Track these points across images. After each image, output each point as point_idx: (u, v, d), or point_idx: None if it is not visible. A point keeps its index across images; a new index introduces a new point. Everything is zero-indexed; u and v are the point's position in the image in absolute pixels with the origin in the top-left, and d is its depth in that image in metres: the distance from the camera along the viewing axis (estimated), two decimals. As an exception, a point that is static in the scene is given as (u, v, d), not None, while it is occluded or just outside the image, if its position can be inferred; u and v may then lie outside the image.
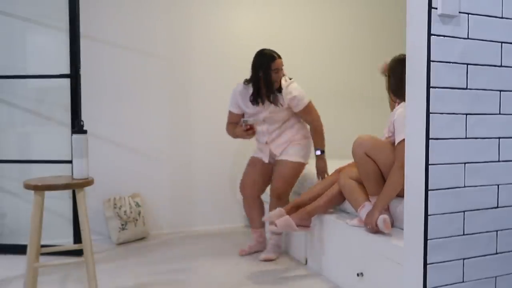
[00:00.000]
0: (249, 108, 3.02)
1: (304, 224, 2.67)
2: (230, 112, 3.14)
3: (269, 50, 2.99)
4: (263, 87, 2.92)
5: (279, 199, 2.97)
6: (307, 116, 3.04)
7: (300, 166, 3.04)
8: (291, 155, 3.01)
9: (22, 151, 3.41)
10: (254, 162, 3.17)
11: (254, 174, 3.12)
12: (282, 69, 2.95)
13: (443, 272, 1.70)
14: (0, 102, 3.32)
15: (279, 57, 2.95)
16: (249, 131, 3.00)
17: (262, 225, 3.14)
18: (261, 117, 3.01)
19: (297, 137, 3.05)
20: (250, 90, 2.98)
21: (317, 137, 3.03)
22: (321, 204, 2.67)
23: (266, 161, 3.10)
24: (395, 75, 2.36)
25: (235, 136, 3.12)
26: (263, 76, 2.91)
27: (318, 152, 3.02)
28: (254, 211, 3.13)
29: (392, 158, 2.31)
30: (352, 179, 2.50)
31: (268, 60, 2.92)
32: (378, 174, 2.37)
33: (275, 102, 2.93)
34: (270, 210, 2.93)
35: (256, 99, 2.95)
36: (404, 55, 1.84)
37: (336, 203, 2.71)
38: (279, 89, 2.95)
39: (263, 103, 2.96)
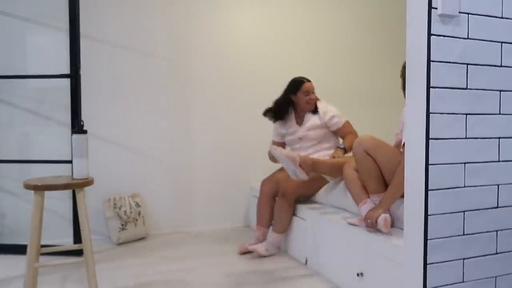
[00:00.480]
0: (287, 129, 3.29)
1: (304, 168, 2.74)
2: (273, 141, 3.42)
3: (300, 76, 3.27)
4: (298, 109, 3.25)
5: (283, 196, 3.02)
6: (345, 131, 3.19)
7: (319, 179, 3.07)
8: None
9: (22, 151, 3.41)
10: None
11: (280, 175, 3.19)
12: (313, 92, 3.21)
13: (443, 272, 1.70)
14: (0, 102, 3.32)
15: (309, 81, 3.22)
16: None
17: (268, 225, 3.15)
18: (297, 136, 3.23)
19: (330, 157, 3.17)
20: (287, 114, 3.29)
21: (348, 139, 3.14)
22: (326, 162, 2.81)
23: None
24: None
25: (271, 161, 3.31)
26: (293, 97, 3.21)
27: (342, 146, 3.14)
28: (264, 209, 3.16)
29: (392, 159, 2.31)
30: (357, 171, 2.51)
31: (298, 84, 3.20)
32: (378, 173, 2.38)
33: (305, 121, 3.22)
34: (276, 207, 3.05)
35: (275, 116, 3.27)
36: None
37: (341, 173, 2.75)
38: (315, 110, 3.20)
39: (301, 120, 3.24)
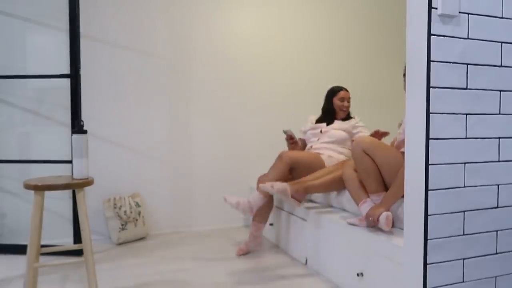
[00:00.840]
0: (313, 123, 3.43)
1: (298, 197, 2.80)
2: (299, 139, 3.53)
3: (338, 85, 3.47)
4: (335, 111, 3.40)
5: (279, 156, 3.06)
6: None
7: (319, 164, 3.11)
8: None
9: (22, 151, 3.41)
10: None
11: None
12: (348, 101, 3.39)
13: (443, 272, 1.70)
14: (0, 102, 3.32)
15: (346, 90, 3.42)
16: (290, 141, 3.31)
17: (264, 220, 3.13)
18: (319, 129, 3.35)
19: (336, 157, 3.21)
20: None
21: None
22: (320, 184, 2.80)
23: None
24: None
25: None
26: (330, 102, 3.40)
27: None
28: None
29: (391, 161, 2.32)
30: (356, 171, 2.51)
31: (335, 91, 3.41)
32: (377, 172, 2.38)
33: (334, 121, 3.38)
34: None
35: (324, 119, 3.40)
36: None
37: (335, 188, 2.83)
38: (347, 117, 3.38)
39: (331, 122, 3.38)
